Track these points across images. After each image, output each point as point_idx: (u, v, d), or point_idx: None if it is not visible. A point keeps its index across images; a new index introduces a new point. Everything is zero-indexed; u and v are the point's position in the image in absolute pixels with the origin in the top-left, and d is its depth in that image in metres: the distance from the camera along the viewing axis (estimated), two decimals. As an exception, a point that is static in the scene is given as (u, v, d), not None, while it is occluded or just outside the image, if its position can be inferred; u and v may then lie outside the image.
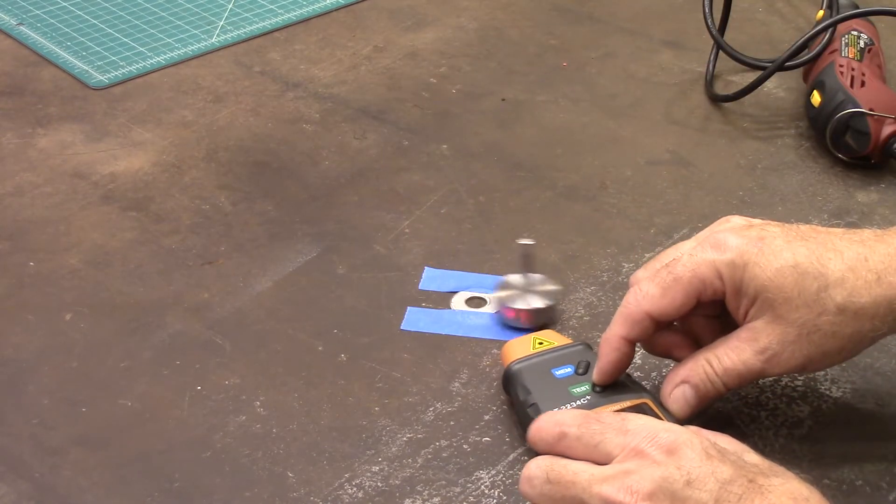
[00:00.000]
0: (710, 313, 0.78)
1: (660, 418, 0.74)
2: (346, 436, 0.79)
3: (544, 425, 0.70)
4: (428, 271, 0.92)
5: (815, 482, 0.75)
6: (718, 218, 0.96)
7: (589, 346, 0.80)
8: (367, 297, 0.90)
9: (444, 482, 0.76)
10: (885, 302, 0.73)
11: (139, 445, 0.79)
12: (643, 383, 0.79)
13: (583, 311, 0.88)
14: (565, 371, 0.78)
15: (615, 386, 0.77)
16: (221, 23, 1.23)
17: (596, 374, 0.77)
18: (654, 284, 0.76)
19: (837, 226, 0.96)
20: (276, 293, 0.90)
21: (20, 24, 1.22)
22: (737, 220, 0.78)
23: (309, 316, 0.88)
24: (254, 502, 0.75)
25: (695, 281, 0.75)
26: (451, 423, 0.80)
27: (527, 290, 0.87)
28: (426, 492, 0.76)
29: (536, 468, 0.68)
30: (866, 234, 0.75)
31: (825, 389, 0.82)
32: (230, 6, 1.25)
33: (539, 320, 0.86)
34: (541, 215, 0.98)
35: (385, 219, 0.97)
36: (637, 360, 0.84)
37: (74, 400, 0.82)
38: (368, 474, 0.77)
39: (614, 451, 0.66)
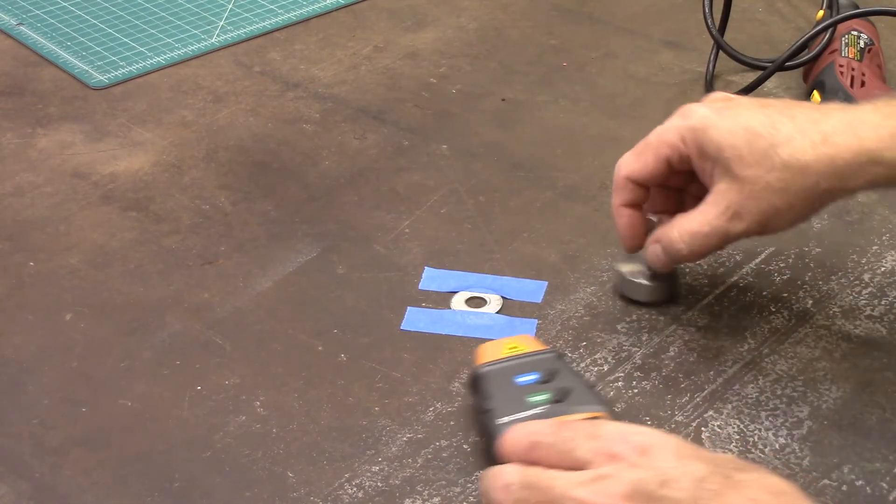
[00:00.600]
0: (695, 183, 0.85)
1: None
2: (346, 436, 0.79)
3: (516, 435, 0.69)
4: (428, 271, 0.92)
5: (815, 482, 0.75)
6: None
7: (560, 355, 0.80)
8: (367, 297, 0.90)
9: (444, 482, 0.76)
10: (828, 159, 0.78)
11: (139, 445, 0.79)
12: (608, 395, 0.78)
13: (583, 311, 0.88)
14: (529, 378, 0.77)
15: (574, 396, 0.76)
16: (221, 23, 1.23)
17: (621, 244, 0.87)
18: (630, 152, 0.85)
19: (838, 225, 0.96)
20: (276, 293, 0.90)
21: (20, 24, 1.22)
22: (715, 95, 0.86)
23: (309, 316, 0.88)
24: (254, 502, 0.75)
25: (662, 146, 0.83)
26: (451, 423, 0.80)
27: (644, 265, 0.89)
28: (426, 492, 0.76)
29: (512, 475, 0.67)
30: (831, 105, 0.81)
31: (825, 389, 0.82)
32: (230, 6, 1.25)
33: (661, 294, 0.88)
34: (541, 215, 0.98)
35: (385, 219, 0.98)
36: (637, 359, 0.84)
37: (74, 400, 0.82)
38: (368, 474, 0.77)
39: (588, 457, 0.66)
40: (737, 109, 0.82)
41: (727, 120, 0.81)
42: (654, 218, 0.87)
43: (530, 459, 0.68)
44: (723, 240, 0.82)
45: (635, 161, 0.85)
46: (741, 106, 0.82)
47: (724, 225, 0.81)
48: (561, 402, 0.75)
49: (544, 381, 0.77)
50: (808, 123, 0.79)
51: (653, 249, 0.85)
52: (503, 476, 0.67)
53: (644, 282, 0.88)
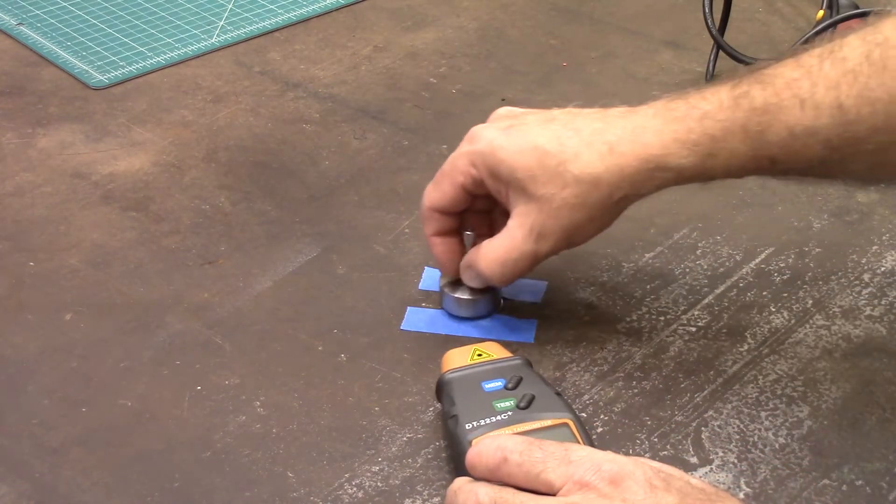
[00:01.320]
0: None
1: (578, 440, 0.73)
2: (346, 436, 0.79)
3: (485, 450, 0.69)
4: (428, 271, 0.92)
5: (815, 482, 0.75)
6: (718, 218, 0.96)
7: (528, 362, 0.80)
8: (367, 297, 0.90)
9: (444, 482, 0.76)
10: (617, 169, 0.79)
11: (139, 445, 0.79)
12: (574, 404, 0.78)
13: (583, 312, 0.88)
14: (495, 385, 0.77)
15: (539, 403, 0.76)
16: (221, 23, 1.23)
17: (440, 270, 0.87)
18: (431, 183, 0.85)
19: (838, 225, 0.96)
20: (276, 293, 0.90)
21: (20, 24, 1.22)
22: (500, 112, 0.87)
23: (309, 316, 0.88)
24: (254, 502, 0.75)
25: (455, 173, 0.83)
26: (451, 423, 0.80)
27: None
28: (426, 492, 0.76)
29: (483, 495, 0.67)
30: (613, 112, 0.82)
31: (825, 389, 0.82)
32: (230, 6, 1.25)
33: (478, 309, 0.87)
34: (541, 215, 0.98)
35: (385, 219, 0.98)
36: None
37: (74, 400, 0.82)
38: (368, 474, 0.77)
39: (557, 482, 0.65)
40: (522, 128, 0.82)
41: (515, 140, 0.81)
42: (469, 233, 0.86)
43: (497, 476, 0.68)
44: (532, 261, 0.82)
45: (434, 191, 0.85)
46: (527, 123, 0.83)
47: (532, 248, 0.81)
48: (526, 408, 0.75)
49: (510, 388, 0.77)
50: (593, 135, 0.80)
51: (466, 275, 0.86)
52: (474, 495, 0.67)
53: (464, 296, 0.87)
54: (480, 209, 0.86)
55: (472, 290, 0.87)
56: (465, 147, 0.84)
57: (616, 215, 0.82)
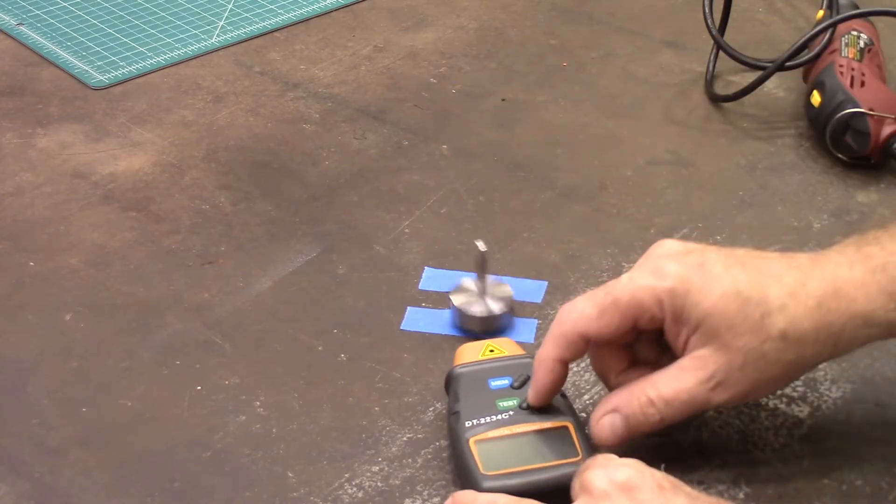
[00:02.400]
0: (649, 341, 0.76)
1: (576, 444, 0.74)
2: (346, 436, 0.79)
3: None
4: (428, 271, 0.92)
5: (815, 482, 0.75)
6: (718, 218, 0.96)
7: None
8: (367, 297, 0.90)
9: (443, 482, 0.76)
10: (825, 328, 0.72)
11: (139, 445, 0.79)
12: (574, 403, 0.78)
13: (583, 311, 0.88)
14: (502, 383, 0.77)
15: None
16: (221, 23, 1.23)
17: (531, 396, 0.75)
18: (592, 304, 0.74)
19: (838, 225, 0.96)
20: (276, 293, 0.90)
21: (20, 24, 1.22)
22: (672, 246, 0.75)
23: (309, 316, 0.88)
24: (254, 502, 0.75)
25: (633, 305, 0.73)
26: (451, 423, 0.80)
27: (482, 294, 0.87)
28: (426, 492, 0.76)
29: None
30: (802, 259, 0.74)
31: (825, 389, 0.82)
32: (230, 6, 1.25)
33: (492, 326, 0.86)
34: (541, 215, 0.98)
35: (385, 219, 0.97)
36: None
37: (74, 400, 0.82)
38: (368, 474, 0.77)
39: None
40: (714, 267, 0.73)
41: (710, 282, 0.72)
42: (480, 245, 0.84)
43: None
44: (699, 409, 0.74)
45: (598, 318, 0.74)
46: (716, 262, 0.73)
47: (706, 395, 0.72)
48: (528, 409, 0.75)
49: (516, 387, 0.77)
50: (796, 286, 0.72)
51: (608, 420, 0.74)
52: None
53: (478, 313, 0.86)
54: (619, 341, 0.76)
55: (486, 307, 0.86)
56: (648, 279, 0.73)
57: (807, 371, 0.76)
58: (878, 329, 0.72)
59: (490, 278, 0.87)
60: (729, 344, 0.71)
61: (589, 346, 0.75)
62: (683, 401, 0.72)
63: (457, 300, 0.86)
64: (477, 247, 0.85)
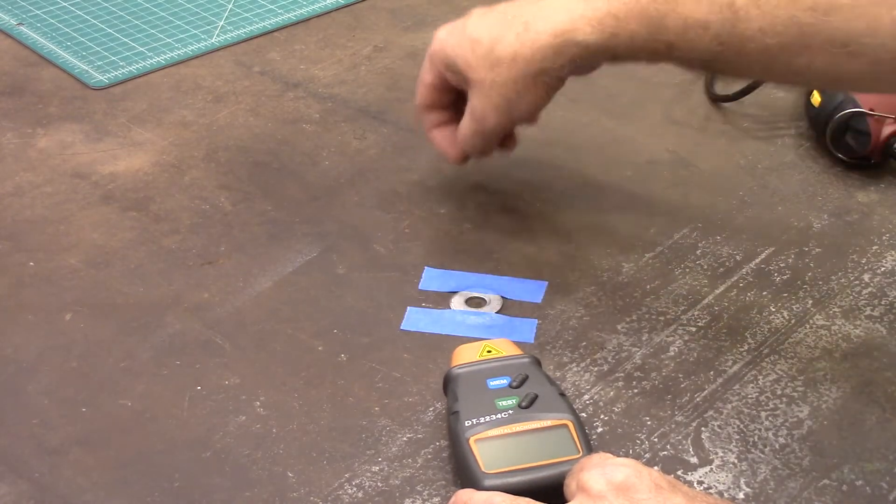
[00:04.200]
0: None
1: (576, 442, 0.74)
2: (346, 436, 0.79)
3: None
4: (428, 271, 0.92)
5: (815, 482, 0.75)
6: (718, 218, 0.96)
7: (536, 361, 0.80)
8: (367, 297, 0.90)
9: (443, 482, 0.76)
10: (530, 44, 0.86)
11: (139, 445, 0.79)
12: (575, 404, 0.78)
13: (583, 311, 0.88)
14: (500, 382, 0.77)
15: (541, 403, 0.76)
16: (221, 23, 1.23)
17: (447, 160, 0.96)
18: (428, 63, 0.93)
19: (838, 225, 0.96)
20: (276, 293, 0.90)
21: (20, 24, 1.22)
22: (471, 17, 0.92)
23: (309, 316, 0.88)
24: (254, 502, 0.75)
25: (424, 73, 0.93)
26: (451, 423, 0.80)
27: None
28: (426, 492, 0.76)
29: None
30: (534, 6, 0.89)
31: (825, 389, 0.82)
32: (230, 6, 1.25)
33: None
34: (541, 215, 0.98)
35: (385, 219, 0.97)
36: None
37: (74, 400, 0.82)
38: (368, 474, 0.77)
39: None
40: (464, 23, 0.90)
41: (455, 35, 0.90)
42: None
43: None
44: (482, 137, 0.91)
45: (418, 92, 0.95)
46: (470, 17, 0.90)
47: (477, 126, 0.90)
48: (527, 407, 0.76)
49: (515, 386, 0.77)
50: (514, 19, 0.87)
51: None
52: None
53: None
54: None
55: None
56: (429, 49, 0.92)
57: (545, 91, 0.89)
58: (577, 49, 0.85)
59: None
60: (473, 80, 0.89)
61: (437, 111, 0.95)
62: (466, 135, 0.92)
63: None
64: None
